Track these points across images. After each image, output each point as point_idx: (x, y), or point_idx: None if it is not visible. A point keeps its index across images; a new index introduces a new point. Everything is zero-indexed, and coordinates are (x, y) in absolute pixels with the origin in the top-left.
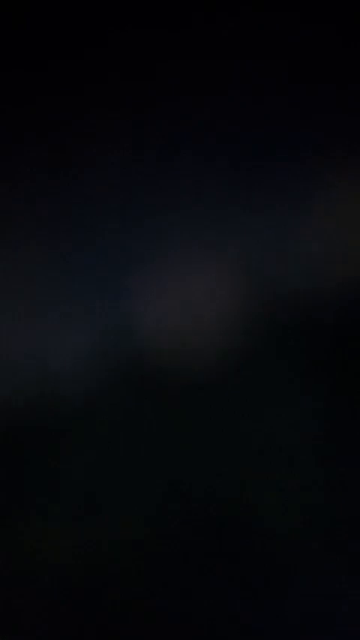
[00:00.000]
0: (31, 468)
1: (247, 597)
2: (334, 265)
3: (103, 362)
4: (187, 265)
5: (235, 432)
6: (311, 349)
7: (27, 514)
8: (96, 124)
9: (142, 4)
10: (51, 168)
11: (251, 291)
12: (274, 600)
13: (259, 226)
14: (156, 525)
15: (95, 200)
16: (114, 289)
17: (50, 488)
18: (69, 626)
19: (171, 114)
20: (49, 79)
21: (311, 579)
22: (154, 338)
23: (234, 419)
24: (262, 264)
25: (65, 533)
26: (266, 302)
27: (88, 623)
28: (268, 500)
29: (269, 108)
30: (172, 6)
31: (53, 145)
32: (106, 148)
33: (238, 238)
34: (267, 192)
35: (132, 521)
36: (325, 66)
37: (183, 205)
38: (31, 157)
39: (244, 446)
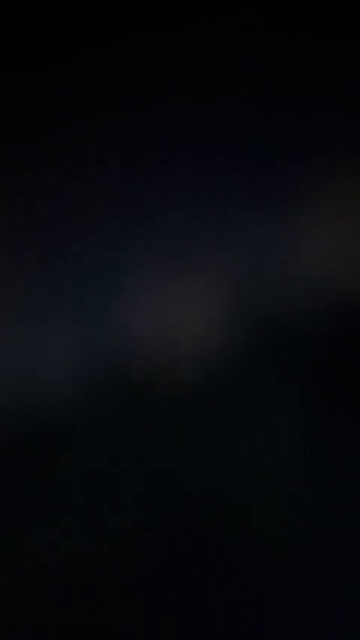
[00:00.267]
0: (24, 479)
1: (247, 602)
2: (334, 269)
3: (93, 371)
4: (181, 272)
5: (229, 441)
6: (308, 356)
7: (22, 524)
8: (96, 124)
9: (142, 4)
10: (51, 168)
11: (249, 295)
12: (273, 606)
13: (258, 228)
14: (153, 534)
15: (93, 202)
16: (106, 295)
17: (44, 499)
18: (68, 634)
19: (171, 114)
20: (49, 79)
21: (310, 584)
22: (146, 346)
23: (228, 428)
24: (262, 267)
25: (61, 542)
26: (264, 308)
27: (87, 629)
28: (265, 509)
29: (269, 108)
30: (172, 6)
31: (53, 144)
32: (106, 148)
33: (237, 239)
34: (267, 192)
35: (128, 530)
36: (325, 66)
37: (182, 206)
38: (31, 156)
39: (238, 455)
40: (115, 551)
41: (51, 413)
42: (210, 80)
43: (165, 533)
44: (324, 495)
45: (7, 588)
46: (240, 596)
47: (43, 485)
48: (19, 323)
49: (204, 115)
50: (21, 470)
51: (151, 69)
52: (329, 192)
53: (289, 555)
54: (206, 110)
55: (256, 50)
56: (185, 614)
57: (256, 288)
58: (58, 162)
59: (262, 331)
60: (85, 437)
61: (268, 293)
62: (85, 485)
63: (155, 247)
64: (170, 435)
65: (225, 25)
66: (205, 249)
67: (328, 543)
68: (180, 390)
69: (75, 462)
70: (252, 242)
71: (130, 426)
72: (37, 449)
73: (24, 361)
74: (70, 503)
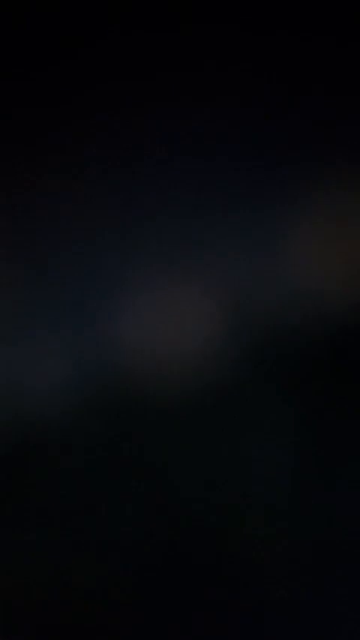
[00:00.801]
0: (23, 483)
1: (244, 606)
2: (334, 270)
3: (90, 379)
4: (181, 274)
5: (227, 449)
6: (307, 361)
7: (21, 527)
8: (96, 124)
9: (142, 4)
10: (51, 168)
11: (248, 296)
12: (271, 611)
13: (258, 228)
14: (150, 538)
15: (93, 202)
16: (105, 296)
17: (43, 502)
18: (66, 635)
19: (171, 114)
20: (49, 79)
21: (309, 589)
22: (139, 360)
23: (226, 435)
24: (261, 268)
25: (60, 545)
26: (263, 309)
27: (85, 631)
28: (261, 516)
29: (269, 108)
30: (172, 6)
31: (53, 144)
32: (106, 148)
33: (237, 239)
34: (267, 192)
35: (126, 533)
36: (325, 66)
37: (182, 206)
38: (31, 156)
39: (235, 463)
40: (113, 554)
41: (49, 420)
42: (210, 80)
43: (163, 536)
44: (321, 502)
45: (6, 589)
46: (237, 600)
47: (42, 490)
48: (16, 328)
49: (204, 115)
50: (20, 475)
51: (151, 69)
52: (329, 193)
53: (286, 561)
54: (206, 110)
55: (256, 50)
56: (183, 616)
57: (255, 289)
58: (58, 163)
59: (262, 334)
60: (81, 442)
61: (267, 294)
62: (82, 490)
63: (155, 248)
64: (167, 442)
65: (225, 25)
66: (205, 249)
67: (326, 549)
68: (178, 396)
69: (74, 467)
70: (252, 242)
71: (127, 434)
72: (36, 455)
73: (20, 369)
74: (68, 507)
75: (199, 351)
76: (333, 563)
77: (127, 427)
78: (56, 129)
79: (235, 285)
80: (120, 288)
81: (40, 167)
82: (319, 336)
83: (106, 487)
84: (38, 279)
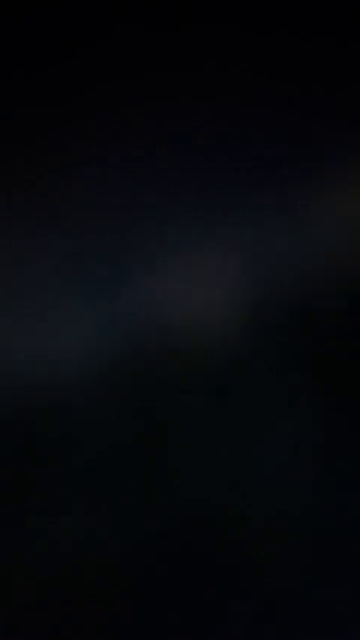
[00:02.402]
0: (23, 477)
1: (244, 608)
2: (335, 267)
3: (101, 360)
4: (188, 266)
5: (235, 437)
6: (311, 358)
7: (21, 523)
8: (96, 124)
9: (142, 4)
10: (51, 168)
11: (252, 294)
12: (270, 614)
13: (258, 228)
14: (152, 534)
15: (96, 199)
16: (106, 296)
17: (42, 497)
18: (64, 635)
19: (171, 114)
20: (49, 79)
21: (310, 593)
22: (152, 337)
23: (236, 422)
24: (263, 268)
25: (59, 541)
26: (267, 309)
27: (84, 631)
28: (265, 513)
29: (270, 108)
30: (172, 6)
31: (53, 144)
32: (106, 148)
33: (237, 239)
34: (267, 192)
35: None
36: (326, 66)
37: (183, 204)
38: (31, 156)
39: (244, 454)
40: (113, 552)
41: (52, 405)
42: (210, 80)
43: (164, 536)
44: (325, 502)
45: (5, 588)
46: (237, 600)
47: (41, 484)
48: (20, 319)
49: (204, 115)
50: (20, 465)
51: (151, 69)
52: (329, 193)
53: (287, 560)
54: (206, 110)
55: (256, 50)
56: (184, 616)
57: (258, 288)
58: (58, 163)
59: (265, 334)
60: (84, 429)
61: (269, 294)
62: (83, 488)
63: (155, 247)
64: (171, 433)
65: (225, 25)
66: (204, 250)
67: (326, 549)
68: (180, 387)
69: (74, 462)
70: (252, 242)
71: (127, 429)
72: (36, 450)
73: (28, 354)
74: (67, 502)
75: (204, 341)
76: (333, 563)
77: (129, 418)
78: (56, 129)
79: (238, 275)
80: (120, 288)
81: (40, 167)
82: (324, 327)
83: (106, 486)
84: (37, 279)
